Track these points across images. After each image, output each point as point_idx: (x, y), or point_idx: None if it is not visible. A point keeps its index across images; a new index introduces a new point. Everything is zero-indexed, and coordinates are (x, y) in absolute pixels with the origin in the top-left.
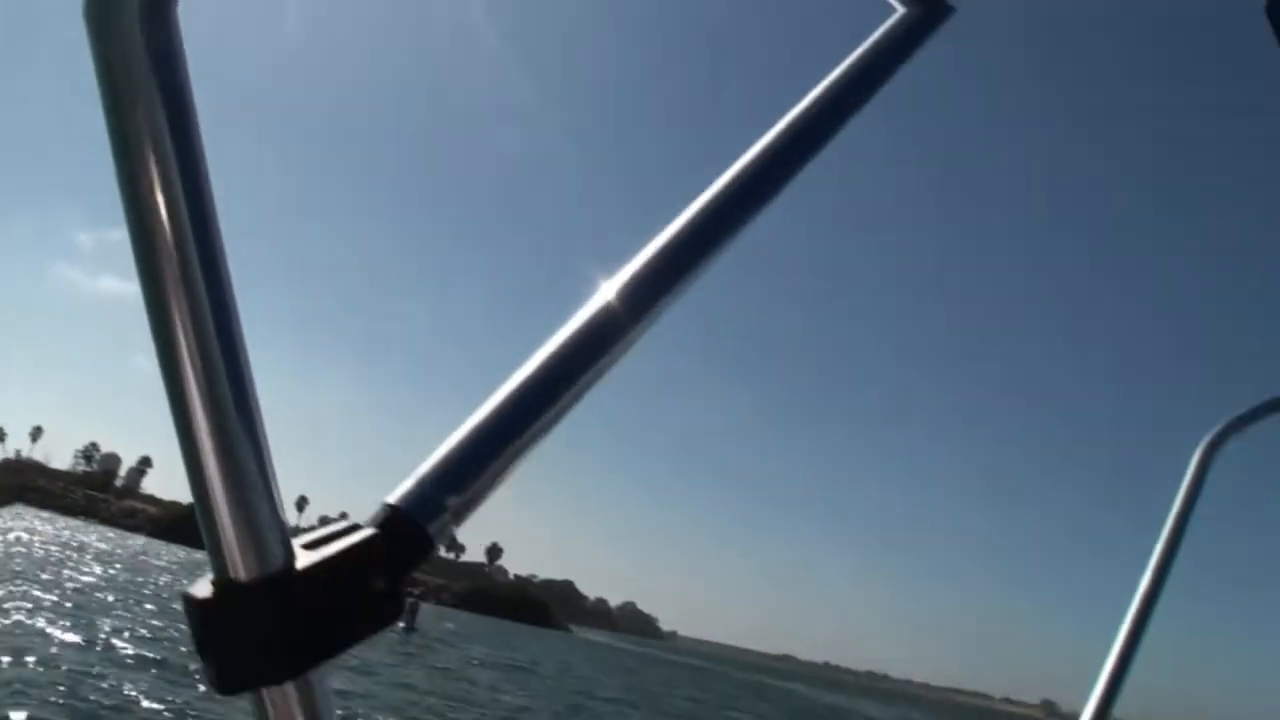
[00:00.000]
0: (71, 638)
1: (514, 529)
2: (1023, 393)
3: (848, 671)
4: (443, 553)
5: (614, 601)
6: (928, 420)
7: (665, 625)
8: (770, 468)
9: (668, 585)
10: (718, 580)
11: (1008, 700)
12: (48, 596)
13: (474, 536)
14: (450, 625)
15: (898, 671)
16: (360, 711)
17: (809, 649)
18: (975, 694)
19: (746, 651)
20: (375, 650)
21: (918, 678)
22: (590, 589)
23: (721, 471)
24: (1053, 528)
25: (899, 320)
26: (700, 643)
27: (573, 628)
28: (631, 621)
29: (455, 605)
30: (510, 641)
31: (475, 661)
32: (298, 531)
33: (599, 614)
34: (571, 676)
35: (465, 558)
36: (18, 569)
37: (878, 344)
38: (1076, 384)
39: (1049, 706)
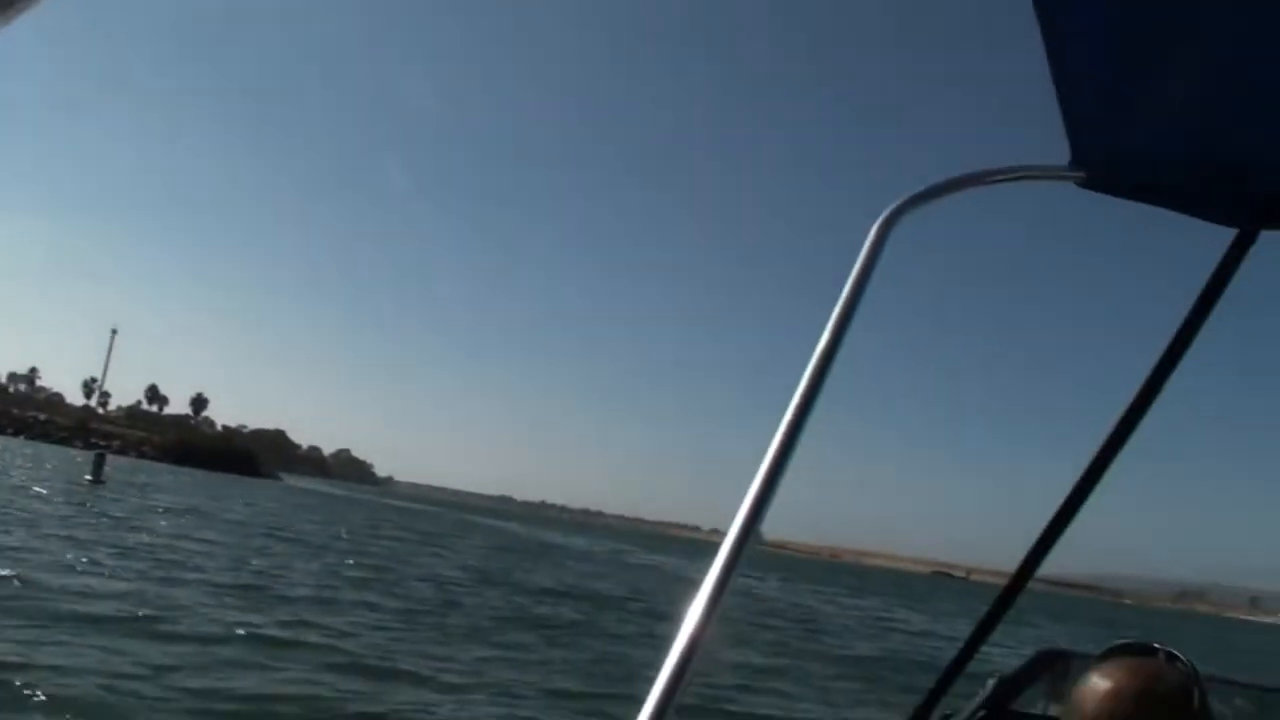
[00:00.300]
0: None
1: (222, 378)
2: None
3: (563, 509)
4: (145, 405)
5: (328, 449)
6: (634, 247)
7: (381, 471)
8: (477, 309)
9: (384, 430)
10: (433, 424)
11: (716, 531)
12: None
13: (179, 388)
14: (143, 477)
15: (611, 508)
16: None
17: (525, 489)
18: (686, 526)
19: (464, 494)
20: (48, 503)
21: (630, 514)
22: (304, 437)
23: (433, 314)
24: (757, 355)
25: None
26: (417, 486)
27: (284, 476)
28: (346, 468)
29: (158, 459)
30: (207, 491)
31: (160, 510)
32: None
33: (312, 461)
34: (264, 522)
35: (170, 410)
36: None
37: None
38: (754, 172)
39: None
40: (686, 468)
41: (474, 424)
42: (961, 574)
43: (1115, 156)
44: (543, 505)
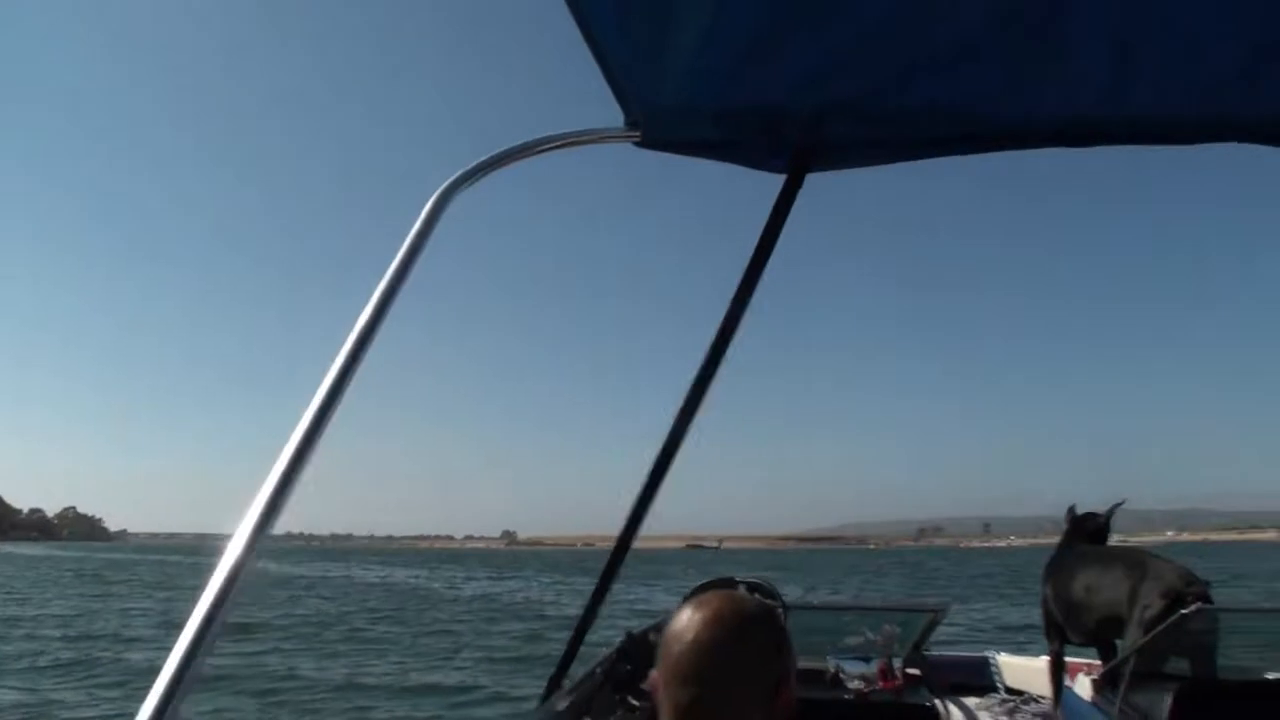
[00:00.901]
0: None
1: None
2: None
3: (310, 538)
4: None
5: (53, 510)
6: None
7: (114, 525)
8: (201, 342)
9: (116, 482)
10: (168, 468)
11: (470, 537)
12: None
13: None
14: None
15: (361, 530)
16: None
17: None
18: (439, 537)
19: (206, 537)
20: None
21: (380, 533)
22: (25, 500)
23: (155, 351)
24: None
25: None
26: (155, 536)
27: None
28: (75, 526)
29: None
30: None
31: None
32: None
33: (35, 525)
34: None
35: None
36: None
37: None
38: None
39: (509, 536)
40: (430, 480)
41: (209, 463)
42: (714, 544)
43: (661, 113)
44: (288, 537)
